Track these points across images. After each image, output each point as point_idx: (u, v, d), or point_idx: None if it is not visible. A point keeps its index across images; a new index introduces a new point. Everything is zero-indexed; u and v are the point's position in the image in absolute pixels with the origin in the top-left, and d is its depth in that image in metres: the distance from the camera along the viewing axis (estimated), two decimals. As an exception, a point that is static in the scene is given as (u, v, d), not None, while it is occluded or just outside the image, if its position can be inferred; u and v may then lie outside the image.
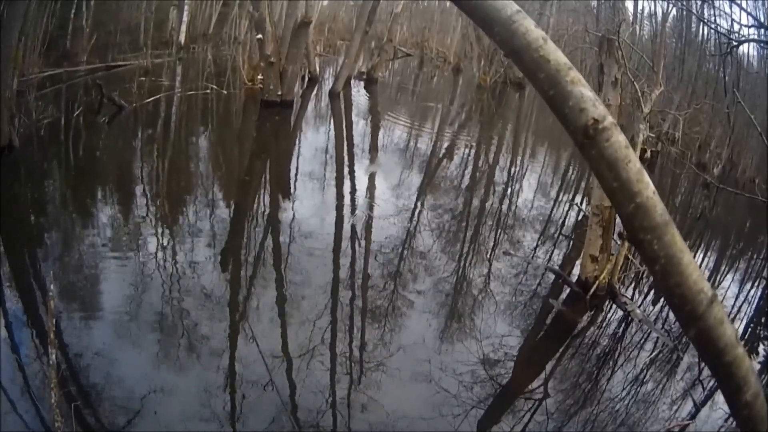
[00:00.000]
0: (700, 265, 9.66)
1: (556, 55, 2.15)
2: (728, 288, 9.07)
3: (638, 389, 5.79)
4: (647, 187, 2.17)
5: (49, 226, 7.26)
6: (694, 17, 22.06)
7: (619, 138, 2.15)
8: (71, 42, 17.41)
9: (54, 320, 3.94)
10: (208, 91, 16.43)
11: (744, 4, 15.51)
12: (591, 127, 2.12)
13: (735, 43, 8.14)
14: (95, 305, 5.61)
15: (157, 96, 14.79)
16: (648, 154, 14.87)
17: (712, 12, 20.10)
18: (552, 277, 7.97)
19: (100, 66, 16.81)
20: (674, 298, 2.25)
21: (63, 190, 8.59)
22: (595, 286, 7.16)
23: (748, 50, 20.39)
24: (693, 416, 5.48)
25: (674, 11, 22.70)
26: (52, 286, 4.17)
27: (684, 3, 20.22)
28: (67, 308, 5.39)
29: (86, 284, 5.97)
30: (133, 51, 18.73)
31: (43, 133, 10.44)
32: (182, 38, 23.25)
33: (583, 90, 2.13)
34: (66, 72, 15.18)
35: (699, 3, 20.73)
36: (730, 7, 19.94)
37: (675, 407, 5.61)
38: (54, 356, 3.76)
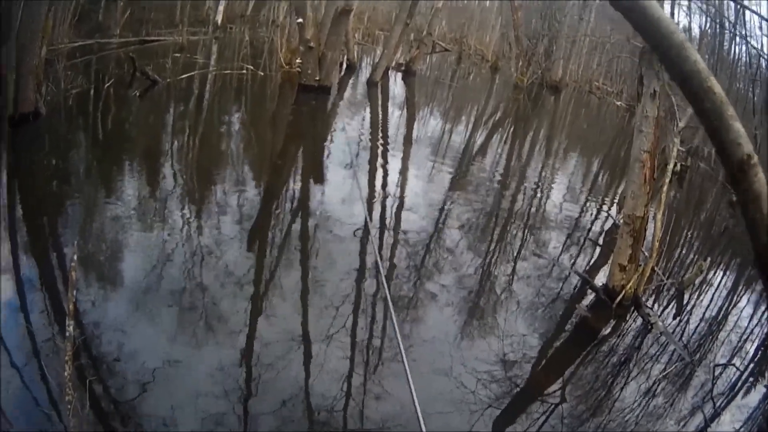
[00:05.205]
0: (719, 283, 9.46)
1: (720, 88, 2.25)
2: (743, 308, 8.86)
3: (651, 401, 5.69)
4: None
5: (70, 195, 7.27)
6: (726, 35, 21.71)
7: (762, 175, 2.26)
8: (104, 15, 17.45)
9: (74, 291, 3.88)
10: (244, 71, 16.42)
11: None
12: (745, 162, 2.22)
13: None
14: (116, 278, 5.61)
15: (192, 73, 14.84)
16: (678, 167, 14.64)
17: (744, 30, 19.79)
18: (576, 282, 7.85)
19: (134, 40, 16.80)
20: None
21: (88, 159, 8.63)
22: (621, 296, 7.05)
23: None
24: (701, 433, 5.39)
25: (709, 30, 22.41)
26: (75, 257, 4.11)
27: (718, 19, 19.89)
28: (86, 279, 5.40)
29: (107, 256, 5.97)
30: (168, 27, 18.76)
31: (71, 103, 10.47)
32: (219, 18, 23.27)
33: (739, 125, 2.26)
34: (97, 44, 15.22)
35: (734, 17, 20.42)
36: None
37: (684, 422, 5.50)
38: (71, 328, 3.71)
